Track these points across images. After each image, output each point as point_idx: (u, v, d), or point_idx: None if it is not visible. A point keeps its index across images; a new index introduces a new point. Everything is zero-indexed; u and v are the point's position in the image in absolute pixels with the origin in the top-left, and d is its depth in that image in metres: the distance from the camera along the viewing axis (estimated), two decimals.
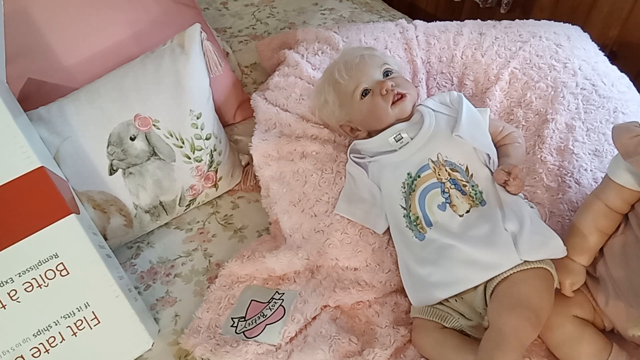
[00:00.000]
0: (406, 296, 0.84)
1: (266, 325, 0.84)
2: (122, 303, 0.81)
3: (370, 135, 0.95)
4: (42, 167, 0.80)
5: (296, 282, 0.90)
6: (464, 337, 0.78)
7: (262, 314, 0.86)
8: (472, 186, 0.82)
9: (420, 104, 0.94)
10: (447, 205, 0.81)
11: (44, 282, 0.77)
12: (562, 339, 0.75)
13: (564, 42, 1.11)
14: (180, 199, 1.01)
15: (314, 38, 1.22)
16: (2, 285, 0.76)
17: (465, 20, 1.22)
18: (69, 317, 0.78)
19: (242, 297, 0.89)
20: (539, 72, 1.06)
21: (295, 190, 0.95)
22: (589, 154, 0.94)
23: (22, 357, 0.76)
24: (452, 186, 0.82)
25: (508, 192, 0.80)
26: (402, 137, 0.89)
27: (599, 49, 1.14)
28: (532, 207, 0.81)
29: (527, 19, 1.21)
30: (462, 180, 0.82)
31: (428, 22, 1.25)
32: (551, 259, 0.76)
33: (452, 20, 1.23)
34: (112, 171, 0.94)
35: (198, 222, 1.05)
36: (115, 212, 0.95)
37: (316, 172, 0.95)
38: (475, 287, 0.77)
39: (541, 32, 1.14)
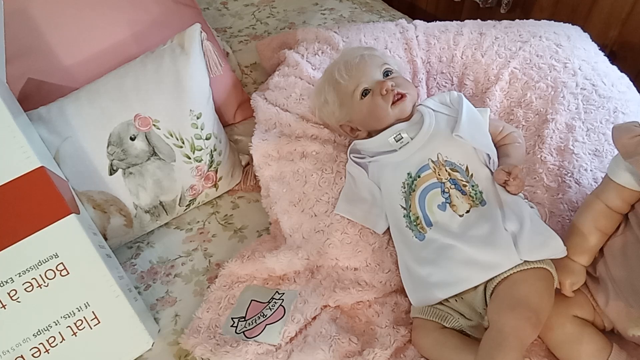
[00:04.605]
0: (406, 296, 0.84)
1: (266, 325, 0.84)
2: (122, 303, 0.81)
3: (370, 135, 0.95)
4: (42, 167, 0.80)
5: (296, 282, 0.90)
6: (464, 337, 0.78)
7: (262, 314, 0.86)
8: (472, 186, 0.82)
9: (420, 104, 0.94)
10: (447, 205, 0.81)
11: (44, 282, 0.77)
12: (562, 339, 0.75)
13: (564, 42, 1.11)
14: (180, 199, 1.01)
15: (314, 38, 1.22)
16: (2, 285, 0.76)
17: (465, 20, 1.22)
18: (69, 317, 0.78)
19: (242, 297, 0.89)
20: (539, 72, 1.06)
21: (295, 190, 0.95)
22: (589, 154, 0.94)
23: (22, 357, 0.76)
24: (452, 186, 0.82)
25: (508, 192, 0.80)
26: (402, 137, 0.89)
27: (599, 49, 1.14)
28: (532, 207, 0.81)
29: (527, 19, 1.21)
30: (462, 180, 0.82)
31: (428, 22, 1.25)
32: (551, 259, 0.76)
33: (452, 20, 1.23)
34: (112, 171, 0.94)
35: (198, 222, 1.05)
36: (115, 212, 0.95)
37: (316, 172, 0.95)
38: (475, 287, 0.77)
39: (541, 32, 1.14)
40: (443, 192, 0.82)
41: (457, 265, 0.77)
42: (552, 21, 1.20)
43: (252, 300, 0.89)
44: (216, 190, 1.06)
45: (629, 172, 0.75)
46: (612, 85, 1.03)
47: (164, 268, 0.97)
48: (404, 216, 0.84)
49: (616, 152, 0.76)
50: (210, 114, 1.03)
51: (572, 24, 1.20)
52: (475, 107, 0.91)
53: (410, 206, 0.84)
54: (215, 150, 1.03)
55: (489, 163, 0.85)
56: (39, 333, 0.77)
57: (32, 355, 0.76)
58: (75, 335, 0.78)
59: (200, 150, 1.00)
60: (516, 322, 0.69)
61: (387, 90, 0.89)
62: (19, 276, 0.77)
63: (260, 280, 0.92)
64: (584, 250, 0.78)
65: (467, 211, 0.80)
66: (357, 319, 0.86)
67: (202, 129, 1.00)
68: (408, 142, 0.88)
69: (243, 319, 0.86)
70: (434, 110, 0.91)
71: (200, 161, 1.00)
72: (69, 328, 0.78)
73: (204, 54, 1.03)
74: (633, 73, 1.12)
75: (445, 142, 0.85)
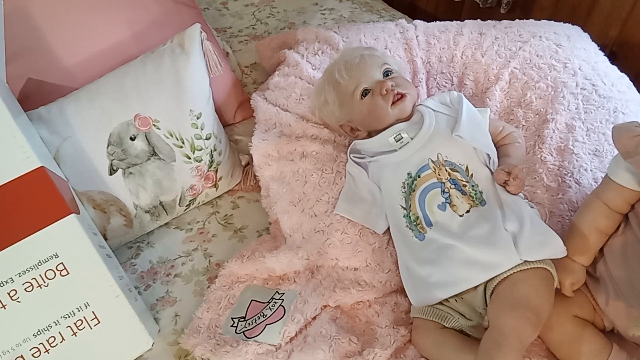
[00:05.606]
0: (406, 296, 0.84)
1: (266, 325, 0.84)
2: (122, 303, 0.81)
3: (370, 135, 0.95)
4: (42, 167, 0.80)
5: (296, 282, 0.90)
6: (464, 337, 0.78)
7: (262, 314, 0.86)
8: (472, 186, 0.82)
9: (420, 104, 0.94)
10: (447, 205, 0.81)
11: (44, 282, 0.77)
12: (562, 339, 0.75)
13: (564, 42, 1.11)
14: (180, 199, 1.01)
15: (314, 38, 1.22)
16: (2, 285, 0.76)
17: (465, 20, 1.22)
18: (69, 317, 0.78)
19: (242, 297, 0.89)
20: (539, 72, 1.06)
21: (295, 190, 0.95)
22: (589, 154, 0.94)
23: (22, 357, 0.76)
24: (452, 186, 0.82)
25: (508, 192, 0.80)
26: (402, 137, 0.89)
27: (599, 49, 1.14)
28: (532, 207, 0.81)
29: (527, 19, 1.21)
30: (462, 180, 0.82)
31: (428, 22, 1.25)
32: (551, 259, 0.76)
33: (452, 20, 1.24)
34: (112, 171, 0.94)
35: (198, 222, 1.05)
36: (115, 212, 0.95)
37: (316, 172, 0.95)
38: (475, 287, 0.77)
39: (541, 32, 1.14)
40: (443, 192, 0.82)
41: (457, 265, 0.77)
42: (552, 21, 1.20)
43: (252, 300, 0.89)
44: (216, 190, 1.06)
45: (629, 172, 0.75)
46: (612, 85, 1.03)
47: (164, 268, 0.97)
48: (404, 216, 0.84)
49: (616, 152, 0.76)
50: (210, 114, 1.03)
51: (572, 24, 1.20)
52: (475, 107, 0.91)
53: (410, 206, 0.84)
54: (215, 150, 1.03)
55: (489, 163, 0.85)
56: (39, 333, 0.77)
57: (32, 355, 0.76)
58: (75, 335, 0.78)
59: (200, 150, 1.00)
60: (516, 322, 0.69)
61: (387, 90, 0.89)
62: (19, 276, 0.77)
63: (260, 280, 0.92)
64: (584, 250, 0.78)
65: (467, 211, 0.80)
66: (357, 319, 0.86)
67: (202, 129, 1.00)
68: (408, 142, 0.88)
69: (243, 319, 0.86)
70: (434, 110, 0.91)
71: (200, 161, 1.00)
72: (69, 328, 0.78)
73: (204, 54, 1.03)
74: (633, 73, 1.12)
75: (445, 142, 0.85)
